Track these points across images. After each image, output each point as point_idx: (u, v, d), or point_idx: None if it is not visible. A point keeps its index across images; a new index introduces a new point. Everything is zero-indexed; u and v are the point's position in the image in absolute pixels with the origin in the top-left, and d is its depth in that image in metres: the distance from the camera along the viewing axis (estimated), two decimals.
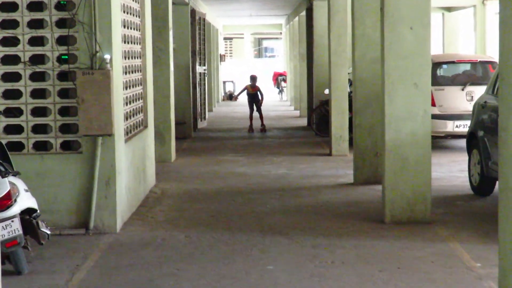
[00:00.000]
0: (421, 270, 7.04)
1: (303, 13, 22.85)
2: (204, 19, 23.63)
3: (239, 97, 25.03)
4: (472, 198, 10.52)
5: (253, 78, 21.92)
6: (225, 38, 47.72)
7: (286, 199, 10.74)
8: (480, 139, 10.30)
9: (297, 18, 26.81)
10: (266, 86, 42.54)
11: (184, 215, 9.76)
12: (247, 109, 22.06)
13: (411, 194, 8.93)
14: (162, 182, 12.06)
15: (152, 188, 11.51)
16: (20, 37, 8.58)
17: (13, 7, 8.53)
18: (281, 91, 38.60)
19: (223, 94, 36.32)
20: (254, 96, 21.50)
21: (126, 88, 9.69)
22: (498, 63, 5.03)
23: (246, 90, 21.88)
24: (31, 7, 8.54)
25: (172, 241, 8.34)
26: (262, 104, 21.82)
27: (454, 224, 8.86)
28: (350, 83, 14.25)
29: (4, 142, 7.95)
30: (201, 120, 22.28)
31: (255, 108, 21.40)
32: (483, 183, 10.37)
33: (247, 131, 21.09)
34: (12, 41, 8.58)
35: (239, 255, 7.69)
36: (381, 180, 9.47)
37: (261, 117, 21.24)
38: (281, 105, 32.53)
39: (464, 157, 11.67)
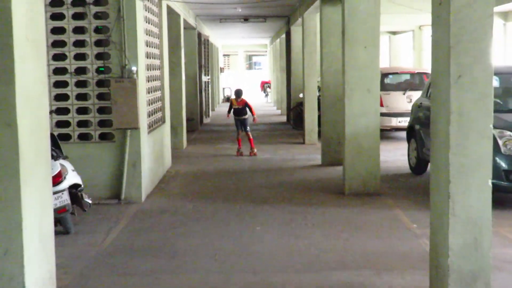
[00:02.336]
0: (372, 230, 7.10)
1: (283, 35, 22.80)
2: (207, 40, 23.60)
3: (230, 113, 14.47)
4: (411, 176, 10.56)
5: (237, 93, 13.82)
6: (224, 55, 47.65)
7: (270, 177, 10.75)
8: (417, 131, 10.33)
9: (278, 40, 26.76)
10: (255, 92, 42.61)
11: (192, 189, 9.77)
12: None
13: (365, 172, 8.97)
14: (176, 165, 12.05)
15: (168, 169, 11.50)
16: (67, 53, 8.57)
17: (62, 31, 8.52)
18: (266, 95, 38.52)
19: (222, 97, 36.25)
20: (241, 111, 13.61)
21: (149, 93, 9.68)
22: (430, 73, 5.05)
23: (232, 105, 13.92)
24: (76, 30, 8.54)
25: (183, 209, 8.36)
26: (256, 120, 14.22)
27: (397, 196, 8.90)
28: (319, 89, 14.27)
29: (56, 133, 7.99)
30: (206, 117, 22.24)
31: (241, 127, 13.71)
32: (419, 164, 10.41)
33: (235, 154, 13.55)
34: (61, 57, 8.58)
35: (234, 219, 7.72)
36: (342, 162, 9.49)
37: (250, 139, 13.49)
38: (266, 106, 32.47)
39: (405, 145, 11.70)
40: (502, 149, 7.68)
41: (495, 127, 7.12)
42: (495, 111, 4.60)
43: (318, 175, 10.81)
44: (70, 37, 8.56)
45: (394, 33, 26.31)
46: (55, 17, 8.51)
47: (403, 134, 13.17)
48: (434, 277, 4.79)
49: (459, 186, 4.44)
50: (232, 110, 13.87)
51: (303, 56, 15.25)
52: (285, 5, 15.80)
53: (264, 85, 39.93)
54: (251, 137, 13.57)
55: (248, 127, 13.66)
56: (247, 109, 13.70)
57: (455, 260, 4.47)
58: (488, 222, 4.48)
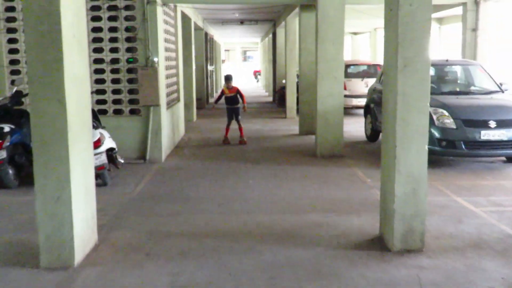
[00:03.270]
0: (337, 182, 7.15)
1: (271, 35, 22.59)
2: (212, 38, 23.34)
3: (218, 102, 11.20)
4: (367, 143, 10.59)
5: (228, 78, 10.82)
6: (225, 50, 47.16)
7: (260, 143, 10.74)
8: (372, 109, 10.34)
9: (267, 38, 26.53)
10: (248, 78, 42.36)
11: (200, 152, 9.76)
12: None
13: (332, 139, 9.01)
14: (188, 133, 12.03)
15: (182, 137, 11.49)
16: (104, 47, 8.49)
17: (100, 30, 8.43)
18: (257, 81, 38.29)
19: (223, 82, 36.02)
20: (234, 100, 10.57)
21: (167, 78, 9.61)
22: (382, 64, 5.05)
23: (223, 94, 10.71)
24: (110, 30, 8.45)
25: (194, 167, 8.37)
26: (246, 108, 10.81)
27: (356, 157, 8.94)
28: (298, 76, 14.22)
29: (96, 109, 7.97)
30: (210, 97, 22.04)
31: (234, 116, 10.63)
32: (373, 134, 10.44)
33: (222, 142, 10.63)
34: (100, 50, 8.50)
35: (232, 174, 7.75)
36: (314, 132, 9.52)
37: (240, 128, 10.57)
38: (257, 89, 32.28)
39: (362, 119, 11.72)
40: (436, 122, 7.71)
41: (431, 106, 7.11)
42: (431, 93, 4.62)
43: (296, 142, 10.82)
44: (106, 35, 8.47)
45: (355, 33, 26.14)
46: (95, 19, 8.42)
47: (361, 111, 13.18)
48: (383, 217, 4.86)
49: (403, 149, 4.48)
50: (224, 99, 10.63)
51: (286, 51, 15.15)
52: (272, 11, 15.65)
53: (256, 73, 39.74)
54: (241, 126, 10.57)
55: (240, 116, 10.62)
56: (239, 97, 10.58)
57: (399, 205, 4.54)
58: (424, 177, 4.54)
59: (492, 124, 7.57)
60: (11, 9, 8.26)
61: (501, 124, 7.59)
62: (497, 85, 8.97)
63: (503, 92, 8.79)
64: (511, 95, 8.97)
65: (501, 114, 7.72)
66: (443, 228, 5.20)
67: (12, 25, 8.28)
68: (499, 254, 4.52)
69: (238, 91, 10.57)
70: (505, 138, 7.56)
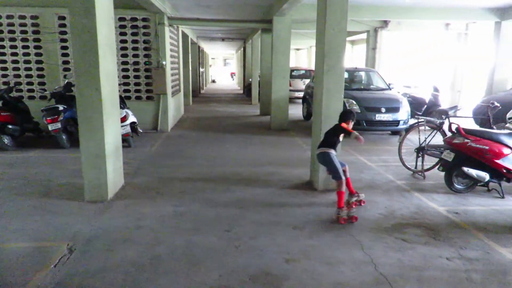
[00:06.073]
0: (284, 147, 7.15)
1: (242, 48, 22.19)
2: (203, 50, 22.72)
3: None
4: (303, 121, 10.59)
5: None
6: (211, 58, 45.99)
7: (234, 120, 10.61)
8: (307, 99, 10.33)
9: (239, 51, 26.04)
10: (227, 77, 41.62)
11: (195, 126, 9.58)
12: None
13: (281, 118, 8.98)
14: (186, 113, 11.79)
15: (182, 115, 11.25)
16: (128, 53, 8.13)
17: (125, 41, 8.06)
18: (233, 79, 37.76)
19: (210, 80, 35.33)
20: None
21: (172, 76, 9.33)
22: (314, 69, 5.02)
23: None
24: (133, 41, 8.08)
25: (190, 136, 8.21)
26: None
27: (296, 130, 8.97)
28: (259, 76, 14.07)
29: (123, 95, 7.68)
30: (202, 90, 21.61)
31: None
32: (307, 115, 10.45)
33: None
34: (125, 55, 8.14)
35: (216, 140, 7.66)
36: (270, 113, 9.48)
37: None
38: (233, 85, 31.83)
39: (300, 105, 11.74)
40: (347, 108, 7.79)
41: (344, 97, 7.19)
42: (345, 89, 4.65)
43: (257, 119, 10.73)
44: (130, 45, 8.11)
45: (298, 49, 25.96)
46: (122, 33, 8.03)
47: (300, 100, 13.18)
48: (312, 169, 4.90)
49: (326, 125, 4.45)
50: None
51: (252, 59, 14.94)
52: (243, 33, 15.31)
53: (232, 74, 39.14)
54: None
55: None
56: None
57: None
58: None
59: (383, 110, 7.71)
60: (63, 25, 7.80)
61: (389, 110, 7.74)
62: (387, 84, 9.10)
63: (390, 89, 8.93)
64: (396, 91, 9.15)
65: (389, 103, 7.87)
66: (351, 176, 5.28)
67: (64, 36, 7.84)
68: (384, 192, 4.67)
69: None
70: (390, 119, 7.74)
